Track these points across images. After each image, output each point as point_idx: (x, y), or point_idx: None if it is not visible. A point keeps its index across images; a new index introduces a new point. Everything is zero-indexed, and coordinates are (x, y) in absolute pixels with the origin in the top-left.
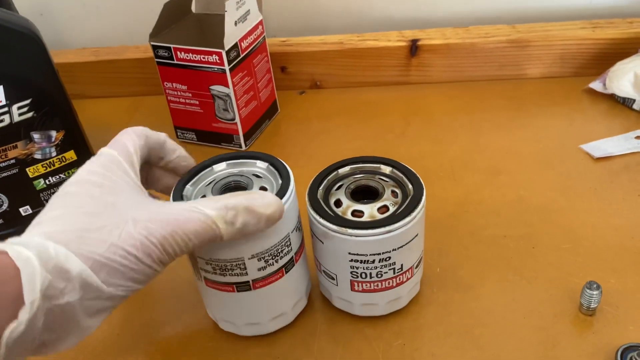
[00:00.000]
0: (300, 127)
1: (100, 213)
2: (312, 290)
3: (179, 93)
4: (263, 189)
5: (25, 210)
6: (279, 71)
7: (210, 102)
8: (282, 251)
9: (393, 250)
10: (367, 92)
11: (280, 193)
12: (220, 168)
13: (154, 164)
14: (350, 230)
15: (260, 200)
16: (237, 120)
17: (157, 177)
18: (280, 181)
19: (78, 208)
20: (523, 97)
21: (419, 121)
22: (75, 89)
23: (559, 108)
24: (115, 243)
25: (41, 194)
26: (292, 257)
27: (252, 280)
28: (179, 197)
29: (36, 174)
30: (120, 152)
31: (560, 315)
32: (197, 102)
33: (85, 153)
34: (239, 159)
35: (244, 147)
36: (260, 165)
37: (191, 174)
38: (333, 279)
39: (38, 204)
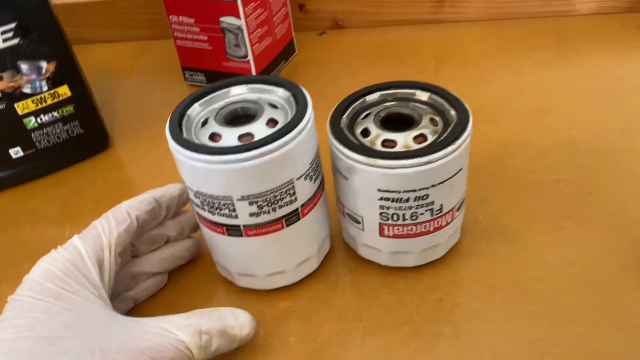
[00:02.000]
0: (320, 69)
1: (59, 338)
2: (334, 238)
3: (186, 28)
4: (273, 121)
5: (15, 152)
6: (297, 9)
7: (220, 37)
8: (281, 199)
9: (432, 186)
10: (395, 32)
11: (287, 129)
12: (238, 91)
13: (157, 225)
14: (380, 161)
15: (233, 321)
16: (250, 57)
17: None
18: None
19: (32, 330)
20: (571, 34)
21: (453, 62)
22: (76, 32)
23: (613, 45)
24: None
25: (32, 134)
26: (297, 209)
27: (244, 226)
28: (178, 114)
29: (26, 111)
30: (89, 246)
31: (626, 269)
32: (206, 38)
33: (80, 89)
34: (261, 83)
35: None
36: (282, 95)
37: (203, 92)
38: (359, 222)
39: (29, 145)
